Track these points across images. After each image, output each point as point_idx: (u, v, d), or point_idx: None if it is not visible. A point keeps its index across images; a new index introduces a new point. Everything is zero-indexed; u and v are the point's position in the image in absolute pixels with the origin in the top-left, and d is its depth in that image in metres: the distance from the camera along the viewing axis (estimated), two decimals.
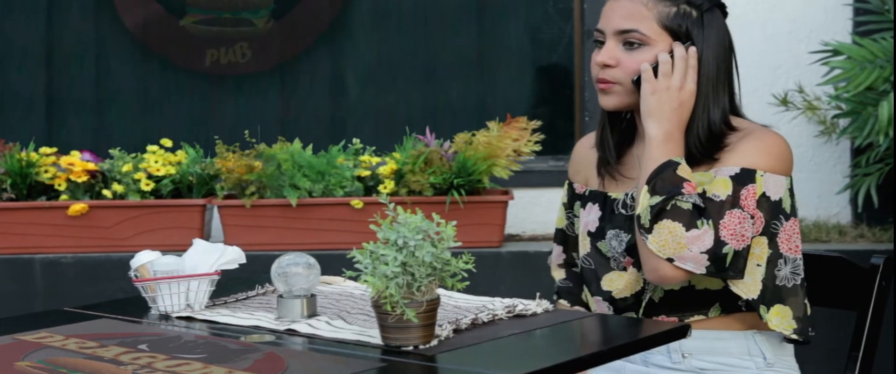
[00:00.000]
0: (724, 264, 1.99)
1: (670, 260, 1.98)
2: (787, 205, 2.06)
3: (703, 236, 1.97)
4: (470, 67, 4.23)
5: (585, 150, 2.30)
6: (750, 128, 2.10)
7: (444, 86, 4.23)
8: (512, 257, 3.54)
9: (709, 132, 2.07)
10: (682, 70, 2.05)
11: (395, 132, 3.81)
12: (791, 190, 2.08)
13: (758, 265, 2.04)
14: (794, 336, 2.07)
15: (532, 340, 1.77)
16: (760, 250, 2.04)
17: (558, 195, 2.39)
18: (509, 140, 3.48)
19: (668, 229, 1.98)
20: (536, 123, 3.53)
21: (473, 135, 3.52)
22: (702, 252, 1.97)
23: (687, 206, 1.98)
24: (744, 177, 2.02)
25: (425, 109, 4.22)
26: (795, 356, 2.16)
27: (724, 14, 2.13)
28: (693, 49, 2.06)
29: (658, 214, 1.99)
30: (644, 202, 2.00)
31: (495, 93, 4.22)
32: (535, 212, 3.91)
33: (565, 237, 2.33)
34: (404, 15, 4.23)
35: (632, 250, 2.11)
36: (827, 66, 3.59)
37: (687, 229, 1.97)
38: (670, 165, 2.02)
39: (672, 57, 2.06)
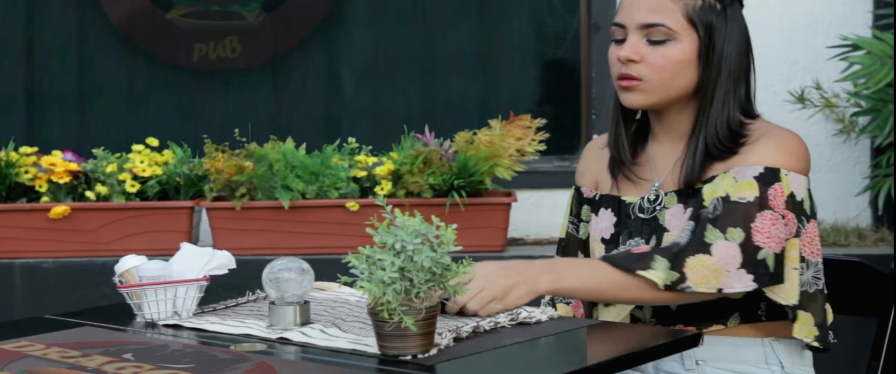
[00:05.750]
0: (769, 269, 2.00)
1: (719, 290, 1.99)
2: (807, 206, 2.07)
3: (727, 250, 1.98)
4: (471, 62, 4.23)
5: (596, 150, 2.30)
6: (766, 127, 2.11)
7: (444, 82, 4.23)
8: None
9: (728, 129, 2.08)
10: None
11: (393, 131, 3.81)
12: (810, 191, 2.09)
13: (794, 269, 2.04)
14: (815, 344, 2.08)
15: (536, 349, 1.77)
16: (795, 253, 2.05)
17: (564, 197, 2.40)
18: (512, 139, 3.48)
19: (699, 263, 1.98)
20: (541, 122, 3.53)
21: (475, 134, 3.52)
22: (738, 268, 1.98)
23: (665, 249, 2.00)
24: (769, 176, 2.03)
25: (424, 107, 4.22)
26: (814, 365, 2.16)
27: (742, 5, 2.15)
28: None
29: (676, 260, 1.99)
30: (662, 275, 1.99)
31: (498, 89, 4.22)
32: (539, 214, 3.91)
33: (568, 247, 2.33)
34: (402, 7, 4.24)
35: None
36: (845, 61, 3.59)
37: (704, 252, 1.98)
38: (613, 262, 2.01)
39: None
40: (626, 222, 2.17)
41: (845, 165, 3.90)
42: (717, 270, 1.98)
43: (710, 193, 2.05)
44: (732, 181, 2.04)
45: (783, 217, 2.02)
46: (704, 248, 1.99)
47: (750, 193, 2.02)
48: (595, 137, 2.38)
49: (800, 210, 2.05)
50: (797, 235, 2.05)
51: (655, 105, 2.13)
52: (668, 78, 2.09)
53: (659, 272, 1.98)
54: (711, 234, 2.00)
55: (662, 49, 2.09)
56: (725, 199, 2.02)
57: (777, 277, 2.02)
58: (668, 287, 1.99)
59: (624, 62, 2.10)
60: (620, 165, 2.20)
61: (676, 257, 1.99)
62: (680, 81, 2.09)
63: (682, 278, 1.98)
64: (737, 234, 1.99)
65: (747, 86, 2.14)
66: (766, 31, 3.84)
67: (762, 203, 2.01)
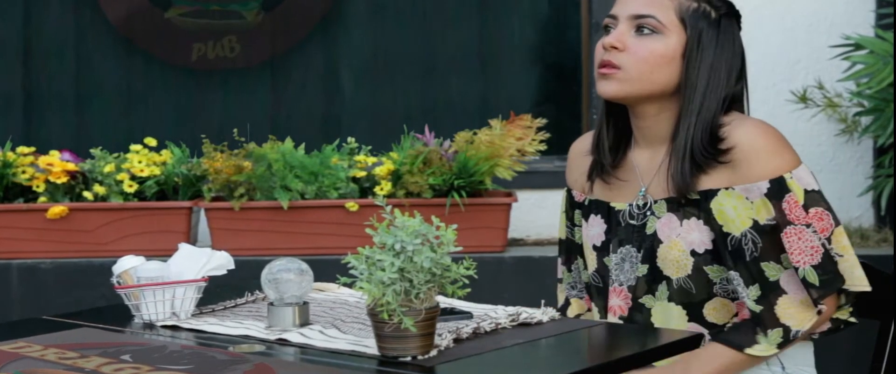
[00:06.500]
0: (824, 280, 2.01)
1: (819, 312, 2.03)
2: (819, 187, 2.08)
3: (792, 278, 2.02)
4: (471, 61, 4.23)
5: (580, 153, 2.30)
6: (737, 122, 2.08)
7: (444, 81, 4.23)
8: (516, 262, 3.54)
9: (710, 135, 2.08)
10: None
11: (393, 131, 3.81)
12: (809, 171, 2.10)
13: (853, 255, 2.06)
14: (851, 320, 2.10)
15: (537, 350, 1.77)
16: (845, 240, 2.06)
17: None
18: (513, 139, 3.48)
19: (785, 305, 2.02)
20: (541, 121, 3.52)
21: (475, 133, 3.52)
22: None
23: (752, 304, 2.03)
24: (777, 190, 2.03)
25: (424, 107, 4.22)
26: (816, 366, 2.16)
27: (739, 26, 2.15)
28: None
29: (770, 320, 2.03)
30: (764, 348, 2.03)
31: (498, 89, 4.22)
32: (539, 215, 3.91)
33: (569, 248, 2.32)
34: (402, 6, 4.23)
35: (648, 278, 2.11)
36: (848, 61, 3.59)
37: (781, 293, 2.01)
38: (726, 342, 2.06)
39: None
40: (616, 230, 2.17)
41: (848, 166, 3.90)
42: (802, 301, 2.02)
43: (727, 220, 2.04)
44: (747, 203, 2.03)
45: (808, 226, 2.02)
46: (778, 290, 2.02)
47: (767, 215, 2.02)
48: (578, 139, 2.37)
49: (821, 199, 2.06)
50: (837, 223, 2.06)
51: (630, 98, 2.12)
52: (647, 70, 2.09)
53: (762, 345, 2.02)
54: (770, 270, 2.02)
55: (648, 41, 2.09)
56: (755, 226, 2.02)
57: (835, 280, 2.03)
58: (781, 345, 2.03)
59: (607, 50, 2.11)
60: (601, 169, 2.20)
61: (768, 319, 2.02)
62: (659, 77, 2.09)
63: (787, 330, 2.02)
64: (787, 259, 2.02)
65: (741, 100, 2.14)
66: (768, 31, 3.83)
67: (783, 221, 2.02)
